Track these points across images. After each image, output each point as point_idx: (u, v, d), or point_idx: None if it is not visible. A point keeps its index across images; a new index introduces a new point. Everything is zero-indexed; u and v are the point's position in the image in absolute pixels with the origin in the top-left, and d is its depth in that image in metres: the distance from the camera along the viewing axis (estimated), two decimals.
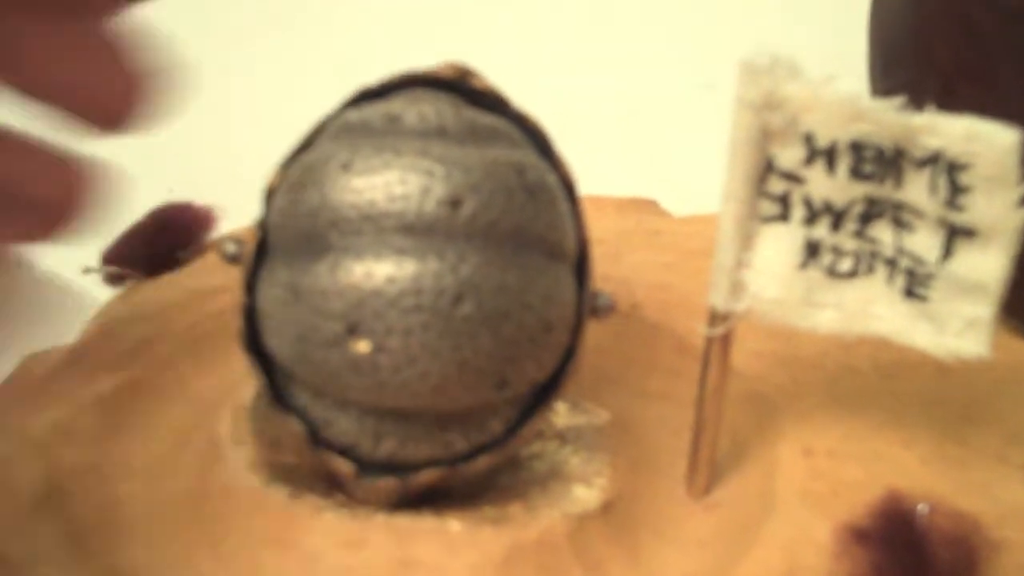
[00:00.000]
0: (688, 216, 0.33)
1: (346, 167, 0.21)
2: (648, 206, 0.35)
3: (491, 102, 0.23)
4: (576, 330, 0.22)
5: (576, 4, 0.50)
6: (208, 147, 0.37)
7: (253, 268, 0.22)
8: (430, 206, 0.20)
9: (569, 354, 0.22)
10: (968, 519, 0.20)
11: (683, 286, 0.29)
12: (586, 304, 0.22)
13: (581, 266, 0.23)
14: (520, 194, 0.21)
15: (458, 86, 0.22)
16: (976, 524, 0.20)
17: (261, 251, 0.22)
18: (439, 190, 0.20)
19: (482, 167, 0.21)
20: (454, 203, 0.20)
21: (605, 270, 0.30)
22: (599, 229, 0.32)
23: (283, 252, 0.21)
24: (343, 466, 0.21)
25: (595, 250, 0.31)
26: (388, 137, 0.21)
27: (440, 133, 0.21)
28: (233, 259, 0.22)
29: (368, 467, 0.21)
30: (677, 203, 0.34)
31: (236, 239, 0.22)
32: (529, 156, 0.22)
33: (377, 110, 0.22)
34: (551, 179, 0.22)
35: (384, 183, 0.20)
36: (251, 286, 0.22)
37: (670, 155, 0.42)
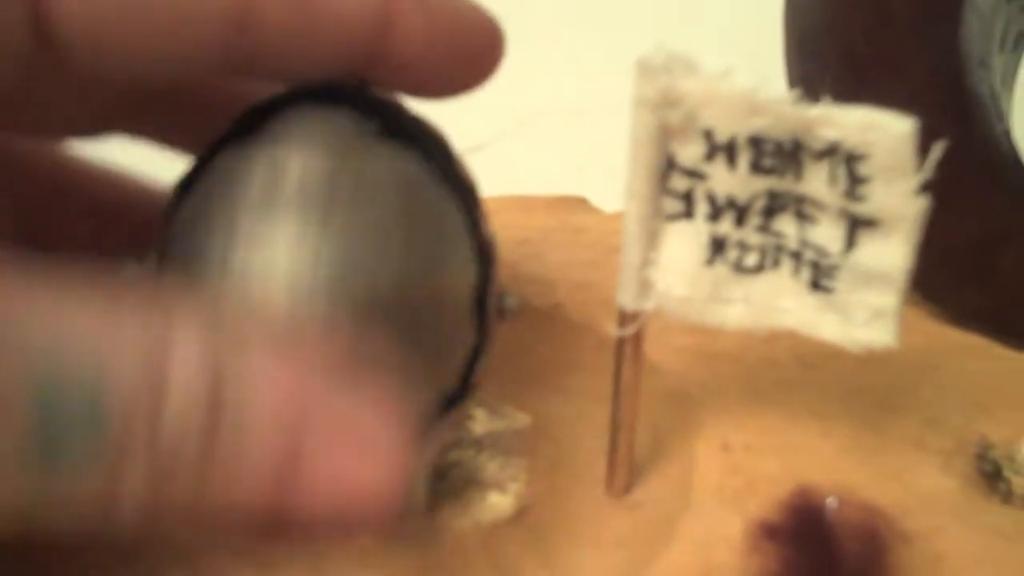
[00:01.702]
0: (615, 212, 0.33)
1: (223, 267, 0.20)
2: (577, 204, 0.35)
3: (388, 110, 0.22)
4: (480, 336, 0.22)
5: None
6: None
7: None
8: (309, 286, 0.20)
9: (474, 361, 0.22)
10: (877, 510, 0.20)
11: (605, 283, 0.28)
12: (491, 309, 0.22)
13: (485, 272, 0.22)
14: (404, 253, 0.21)
15: (353, 95, 0.22)
16: (885, 515, 0.20)
17: None
18: (321, 273, 0.20)
19: (364, 237, 0.20)
20: (335, 278, 0.20)
21: (528, 270, 0.30)
22: (526, 228, 0.32)
23: None
24: None
25: (519, 250, 0.31)
26: (266, 212, 0.20)
27: (323, 200, 0.20)
28: None
29: None
30: (615, 200, 0.34)
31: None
32: (416, 193, 0.21)
33: (260, 160, 0.21)
34: (441, 208, 0.22)
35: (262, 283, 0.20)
36: None
37: (607, 151, 0.42)
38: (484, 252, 0.22)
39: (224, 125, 0.21)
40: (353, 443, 0.18)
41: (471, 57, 0.22)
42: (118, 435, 0.16)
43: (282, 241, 0.20)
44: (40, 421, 0.16)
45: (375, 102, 0.22)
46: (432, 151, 0.22)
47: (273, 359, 0.17)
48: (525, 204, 0.34)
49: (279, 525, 0.18)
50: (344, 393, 0.18)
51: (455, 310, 0.21)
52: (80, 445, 0.16)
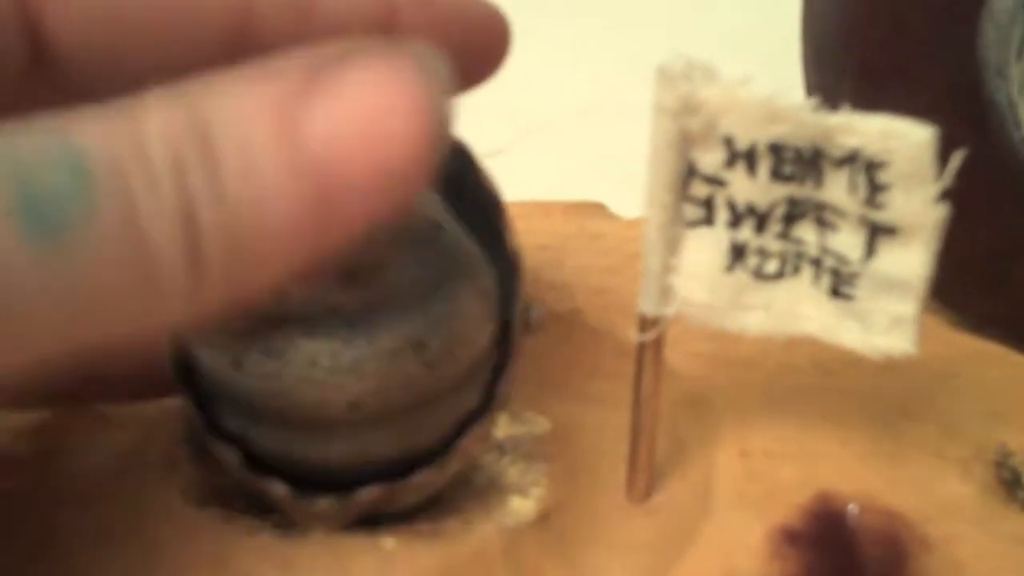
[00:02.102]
0: (633, 219, 0.33)
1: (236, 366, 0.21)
2: (595, 209, 0.35)
3: None
4: (505, 349, 0.22)
5: (524, 4, 0.50)
6: None
7: None
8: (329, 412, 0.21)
9: (499, 372, 0.22)
10: (898, 516, 0.20)
11: (624, 289, 0.29)
12: (517, 324, 0.22)
13: (510, 294, 0.23)
14: (419, 371, 0.21)
15: None
16: (906, 521, 0.20)
17: None
18: (337, 400, 0.20)
19: (376, 362, 0.20)
20: (352, 406, 0.20)
21: (548, 276, 0.30)
22: (545, 234, 0.32)
23: None
24: (279, 489, 0.21)
25: (539, 256, 0.31)
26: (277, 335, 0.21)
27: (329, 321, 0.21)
28: None
29: (304, 489, 0.21)
30: (633, 206, 0.35)
31: None
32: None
33: None
34: (455, 307, 0.22)
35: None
36: None
37: (625, 157, 0.42)
38: (510, 266, 0.22)
39: None
40: (369, 92, 0.16)
41: (477, 53, 0.22)
42: (110, 185, 0.15)
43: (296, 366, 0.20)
44: (20, 199, 0.14)
45: None
46: (457, 161, 0.22)
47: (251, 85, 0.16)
48: (543, 210, 0.34)
49: (325, 217, 0.16)
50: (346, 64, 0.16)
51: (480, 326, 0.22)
52: (72, 203, 0.14)
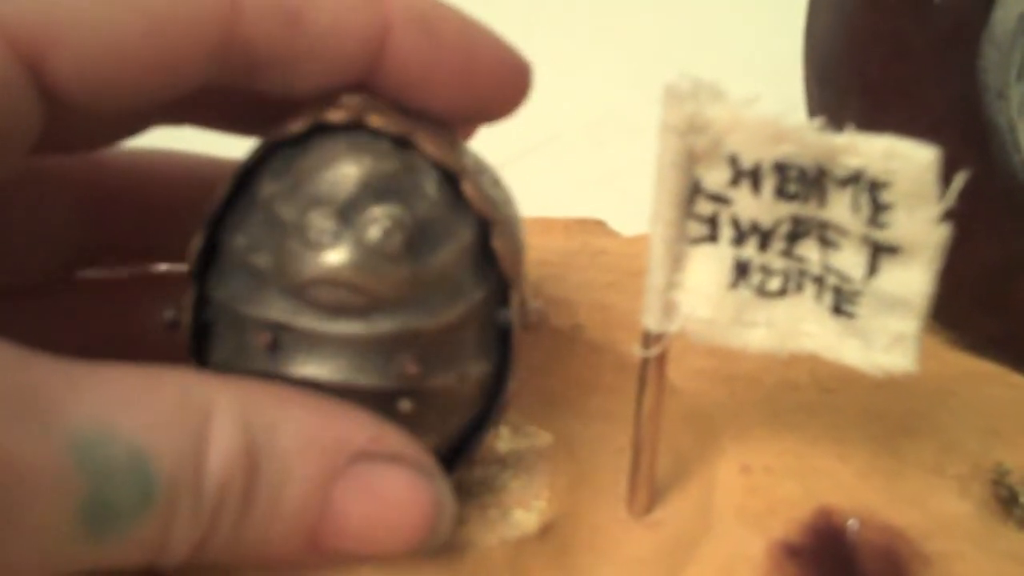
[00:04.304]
0: (633, 236, 0.34)
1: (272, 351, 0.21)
2: (595, 227, 0.35)
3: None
4: (505, 358, 0.22)
5: (528, 23, 0.51)
6: None
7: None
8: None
9: (500, 383, 0.22)
10: (898, 532, 0.21)
11: (625, 305, 0.29)
12: (517, 330, 0.22)
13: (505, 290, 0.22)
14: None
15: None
16: (906, 537, 0.21)
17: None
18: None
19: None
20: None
21: (549, 291, 0.30)
22: (546, 250, 0.33)
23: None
24: None
25: (540, 271, 0.31)
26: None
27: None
28: (172, 326, 0.22)
29: None
30: (631, 223, 0.35)
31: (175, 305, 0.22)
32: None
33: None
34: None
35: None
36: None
37: (624, 174, 0.42)
38: (500, 270, 0.22)
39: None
40: (381, 507, 0.20)
41: (485, 92, 0.22)
42: (165, 502, 0.17)
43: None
44: (89, 496, 0.17)
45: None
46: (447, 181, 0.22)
47: (307, 439, 0.19)
48: (544, 226, 0.34)
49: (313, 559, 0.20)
50: (372, 466, 0.20)
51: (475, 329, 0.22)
52: (130, 514, 0.17)
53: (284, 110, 0.22)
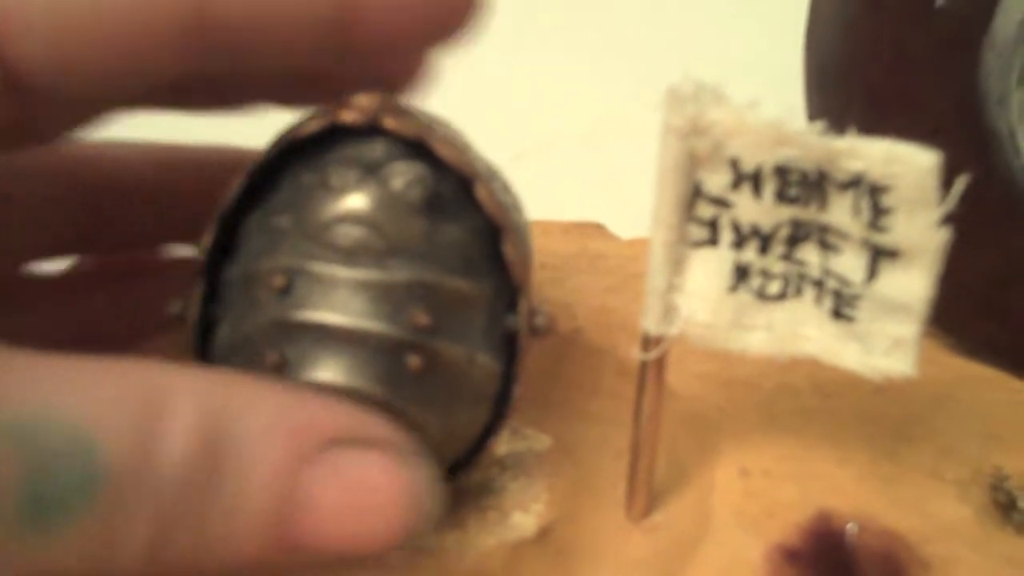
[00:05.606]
0: (632, 239, 0.34)
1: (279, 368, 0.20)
2: (594, 230, 0.35)
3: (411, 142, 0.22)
4: (511, 364, 0.22)
5: (526, 26, 0.51)
6: None
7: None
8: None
9: (507, 390, 0.22)
10: (897, 536, 0.20)
11: (624, 309, 0.29)
12: (524, 337, 0.22)
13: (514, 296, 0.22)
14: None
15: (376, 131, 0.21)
16: (905, 541, 0.21)
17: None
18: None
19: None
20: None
21: (549, 294, 0.30)
22: (545, 253, 0.33)
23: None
24: None
25: (539, 275, 0.31)
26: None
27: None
28: (178, 320, 0.22)
29: None
30: (629, 226, 0.35)
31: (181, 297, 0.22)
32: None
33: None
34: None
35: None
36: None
37: (622, 178, 0.42)
38: (510, 276, 0.22)
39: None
40: (355, 494, 0.18)
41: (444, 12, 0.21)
42: (112, 491, 0.16)
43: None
44: (28, 483, 0.16)
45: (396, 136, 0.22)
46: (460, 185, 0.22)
47: (271, 424, 0.18)
48: (543, 229, 0.34)
49: (286, 554, 0.18)
50: (344, 451, 0.18)
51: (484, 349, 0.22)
52: (74, 502, 0.16)
53: (266, 89, 0.22)
